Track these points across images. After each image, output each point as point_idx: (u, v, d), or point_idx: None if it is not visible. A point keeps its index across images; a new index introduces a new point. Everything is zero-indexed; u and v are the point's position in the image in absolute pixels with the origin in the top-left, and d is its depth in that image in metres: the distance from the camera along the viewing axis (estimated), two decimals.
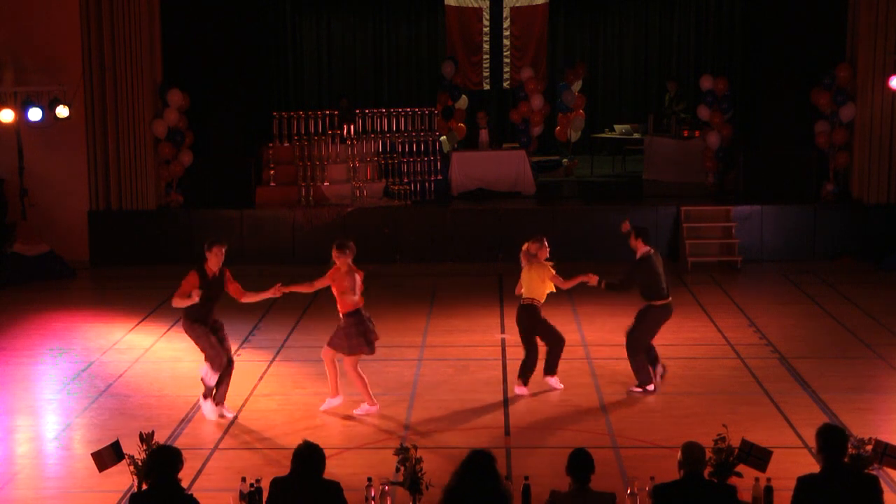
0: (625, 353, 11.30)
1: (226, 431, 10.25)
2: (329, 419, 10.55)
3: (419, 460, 7.88)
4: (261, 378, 11.80)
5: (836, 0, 17.90)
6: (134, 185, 17.69)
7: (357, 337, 10.44)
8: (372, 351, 10.65)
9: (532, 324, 11.22)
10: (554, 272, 11.18)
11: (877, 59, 17.35)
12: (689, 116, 20.43)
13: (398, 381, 11.69)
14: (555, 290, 11.29)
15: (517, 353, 12.65)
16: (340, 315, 10.53)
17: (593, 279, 11.19)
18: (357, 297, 10.42)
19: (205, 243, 10.44)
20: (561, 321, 13.95)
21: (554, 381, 11.38)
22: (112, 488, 8.74)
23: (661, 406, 10.86)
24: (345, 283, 10.36)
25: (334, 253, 10.47)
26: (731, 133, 18.88)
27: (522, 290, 11.27)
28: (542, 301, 11.21)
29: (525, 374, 11.32)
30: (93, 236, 17.74)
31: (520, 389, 11.28)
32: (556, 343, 11.31)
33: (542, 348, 11.35)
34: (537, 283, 11.13)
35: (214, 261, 10.33)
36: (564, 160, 21.30)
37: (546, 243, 11.27)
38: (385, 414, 10.68)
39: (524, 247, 11.24)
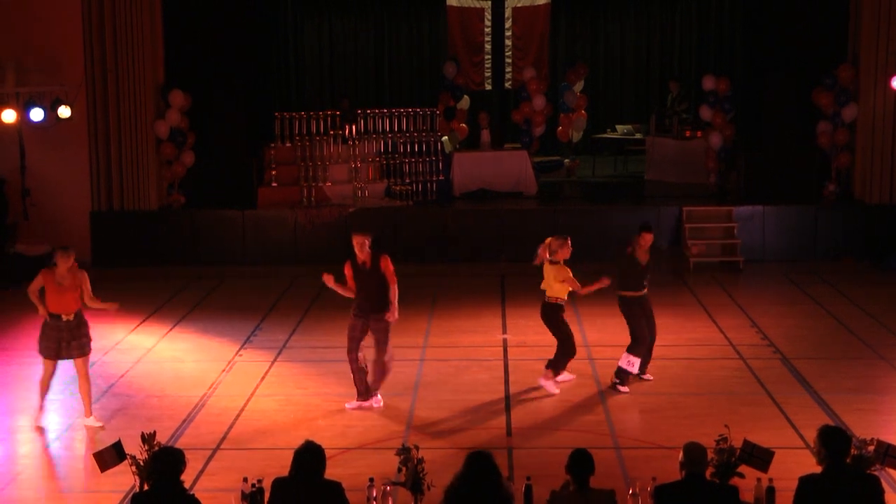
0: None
1: (227, 432, 10.26)
2: (330, 419, 10.55)
3: (421, 460, 7.86)
4: (262, 378, 11.80)
5: (839, 0, 17.90)
6: (136, 186, 17.68)
7: (42, 341, 10.44)
8: (47, 357, 10.43)
9: (552, 321, 11.26)
10: (570, 275, 11.11)
11: (879, 60, 17.33)
12: (691, 117, 20.41)
13: (400, 380, 11.66)
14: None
15: (519, 354, 12.69)
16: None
17: (605, 281, 11.20)
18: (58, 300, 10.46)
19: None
20: None
21: (549, 384, 11.29)
22: (114, 488, 8.74)
23: (663, 406, 10.85)
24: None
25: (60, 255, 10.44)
26: (733, 133, 18.85)
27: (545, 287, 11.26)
28: (564, 299, 11.20)
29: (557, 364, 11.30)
30: (95, 237, 17.70)
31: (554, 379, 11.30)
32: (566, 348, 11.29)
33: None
34: (551, 281, 11.13)
35: (358, 250, 10.54)
36: (566, 160, 21.30)
37: (570, 244, 11.17)
38: (387, 414, 10.69)
39: (546, 241, 11.19)
